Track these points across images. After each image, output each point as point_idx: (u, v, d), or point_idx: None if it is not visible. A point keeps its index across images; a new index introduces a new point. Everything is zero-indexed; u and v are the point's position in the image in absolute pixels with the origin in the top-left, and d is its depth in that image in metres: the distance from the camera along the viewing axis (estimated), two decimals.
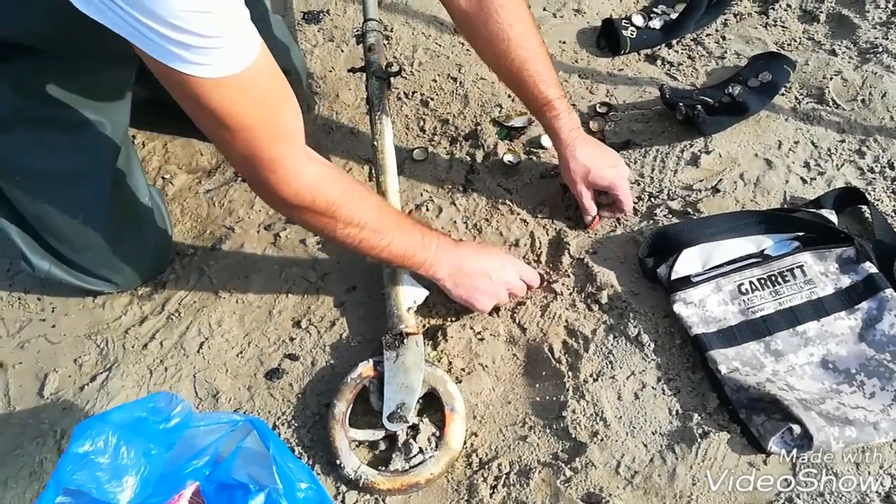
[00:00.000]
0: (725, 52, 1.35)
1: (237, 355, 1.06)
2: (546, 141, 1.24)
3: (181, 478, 0.84)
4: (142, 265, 1.12)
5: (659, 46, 1.38)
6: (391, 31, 1.46)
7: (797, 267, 0.98)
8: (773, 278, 0.98)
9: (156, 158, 1.32)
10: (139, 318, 1.12)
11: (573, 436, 0.91)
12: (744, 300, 0.97)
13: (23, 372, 1.08)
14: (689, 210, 1.11)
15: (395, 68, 1.29)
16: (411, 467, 0.91)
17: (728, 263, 1.01)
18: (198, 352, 1.06)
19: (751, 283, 0.98)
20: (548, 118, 1.08)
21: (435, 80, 1.38)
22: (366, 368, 0.98)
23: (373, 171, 1.23)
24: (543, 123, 1.10)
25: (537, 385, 0.98)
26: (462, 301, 1.02)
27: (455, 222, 1.18)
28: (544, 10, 1.48)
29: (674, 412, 0.92)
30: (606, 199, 1.13)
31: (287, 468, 0.81)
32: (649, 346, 0.97)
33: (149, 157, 1.32)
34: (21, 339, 1.11)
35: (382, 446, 0.95)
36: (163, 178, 1.29)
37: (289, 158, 0.82)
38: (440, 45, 1.45)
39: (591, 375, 0.96)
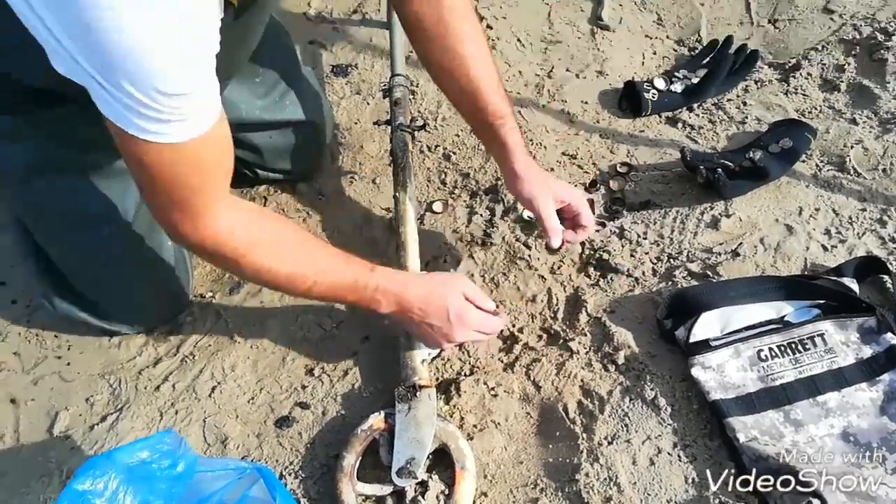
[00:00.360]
0: (746, 118, 1.36)
1: (248, 401, 1.05)
2: None
3: None
4: (160, 308, 1.13)
5: (680, 109, 1.40)
6: (417, 86, 1.49)
7: (818, 335, 0.97)
8: (794, 346, 0.96)
9: None
10: (154, 359, 1.12)
11: (586, 500, 0.89)
12: (763, 367, 0.95)
13: (34, 408, 1.08)
14: (709, 273, 1.10)
15: (419, 122, 1.32)
16: None
17: (747, 328, 0.99)
18: (209, 396, 1.06)
19: (770, 349, 0.96)
20: (502, 132, 1.03)
21: (457, 135, 1.41)
22: (377, 420, 0.97)
23: (393, 221, 1.25)
24: (492, 137, 1.04)
25: (550, 446, 0.97)
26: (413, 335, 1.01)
27: (472, 275, 1.18)
28: (567, 70, 1.51)
29: (690, 480, 0.90)
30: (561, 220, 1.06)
31: None
32: (666, 409, 0.96)
33: None
34: (35, 375, 1.12)
35: (390, 502, 0.93)
36: None
37: (204, 210, 0.81)
38: None
39: (605, 438, 0.94)
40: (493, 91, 1.03)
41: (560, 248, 1.06)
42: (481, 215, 1.27)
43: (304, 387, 1.06)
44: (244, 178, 1.33)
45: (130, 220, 1.04)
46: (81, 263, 1.03)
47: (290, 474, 0.97)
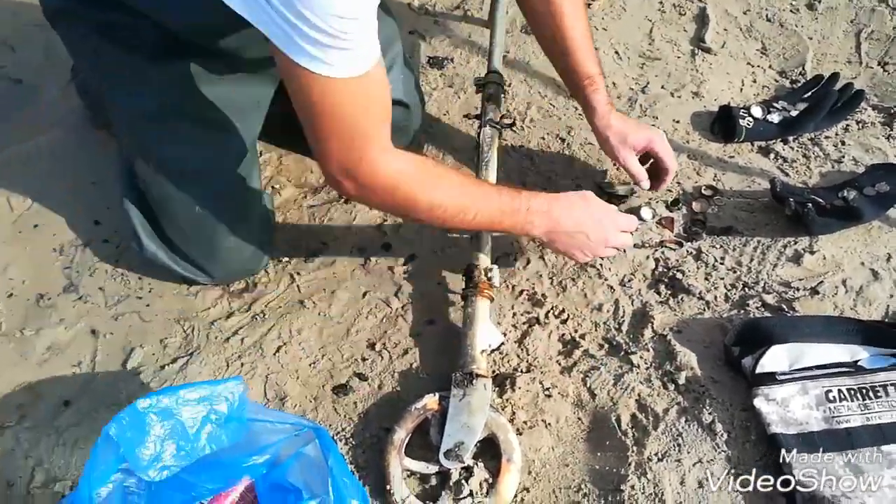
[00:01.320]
0: (843, 157, 1.32)
1: (310, 365, 1.09)
2: (646, 213, 1.24)
3: (239, 470, 0.87)
4: (239, 263, 1.17)
5: (774, 141, 1.37)
6: (510, 85, 1.51)
7: (891, 385, 0.94)
8: (864, 391, 0.93)
9: (270, 168, 1.39)
10: (226, 312, 1.17)
11: None
12: (830, 408, 0.93)
13: (112, 342, 1.14)
14: (784, 307, 1.08)
15: (509, 120, 1.33)
16: None
17: (818, 367, 0.97)
18: (274, 354, 1.10)
19: (840, 391, 0.94)
20: (587, 92, 1.17)
21: (543, 138, 1.41)
22: (431, 401, 0.99)
23: None
24: (581, 98, 1.19)
25: (599, 454, 0.96)
26: (560, 253, 1.10)
27: (541, 276, 1.18)
28: (662, 87, 1.50)
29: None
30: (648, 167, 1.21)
31: (342, 482, 0.83)
32: (722, 436, 0.94)
33: (264, 166, 1.39)
34: (116, 311, 1.18)
35: (433, 481, 0.95)
36: (272, 187, 1.36)
37: (375, 155, 0.88)
38: (553, 106, 1.48)
39: (656, 454, 0.94)
40: (583, 50, 1.15)
41: (653, 189, 1.23)
42: None
43: (364, 359, 1.09)
44: None
45: (231, 175, 1.11)
46: (177, 209, 1.09)
47: (341, 440, 1.00)
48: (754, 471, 0.91)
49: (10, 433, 1.02)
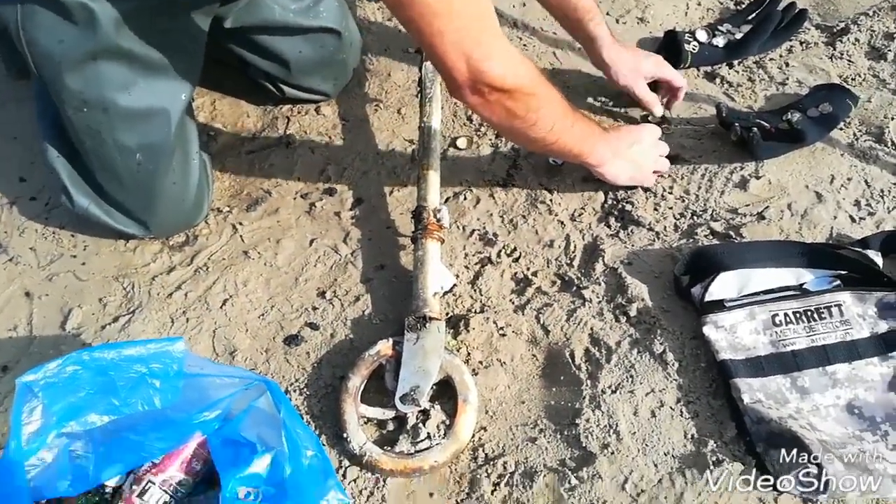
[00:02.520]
0: (787, 79, 1.32)
1: (259, 317, 1.06)
2: None
3: (190, 427, 0.85)
4: (178, 214, 1.13)
5: (720, 65, 1.35)
6: None
7: (835, 305, 0.96)
8: (809, 314, 0.95)
9: (203, 114, 1.33)
10: (167, 267, 1.12)
11: (584, 445, 0.90)
12: (776, 332, 0.95)
13: (48, 304, 1.09)
14: (732, 233, 1.08)
15: None
16: (417, 451, 0.90)
17: (765, 293, 0.98)
18: (220, 308, 1.07)
19: (786, 315, 0.96)
20: (590, 25, 1.18)
21: None
22: (384, 347, 0.98)
23: (416, 153, 1.23)
24: (582, 31, 1.20)
25: (553, 389, 0.97)
26: (607, 181, 1.14)
27: (491, 215, 1.17)
28: (607, 14, 1.46)
29: (689, 436, 0.90)
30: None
31: (295, 433, 0.81)
32: (673, 365, 0.96)
33: (196, 112, 1.32)
34: (50, 272, 1.12)
35: (391, 426, 0.95)
36: (208, 134, 1.30)
37: (499, 45, 0.88)
38: None
39: (609, 387, 0.95)
40: None
41: (663, 116, 1.26)
42: (506, 156, 1.25)
43: (314, 308, 1.07)
44: (269, 94, 1.31)
45: (174, 122, 1.05)
46: (115, 158, 1.03)
47: (295, 391, 0.98)
48: (706, 399, 0.93)
49: None
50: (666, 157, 1.18)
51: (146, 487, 0.81)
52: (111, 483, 0.82)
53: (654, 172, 1.16)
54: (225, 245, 1.15)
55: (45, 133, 1.08)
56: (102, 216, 1.09)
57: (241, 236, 1.16)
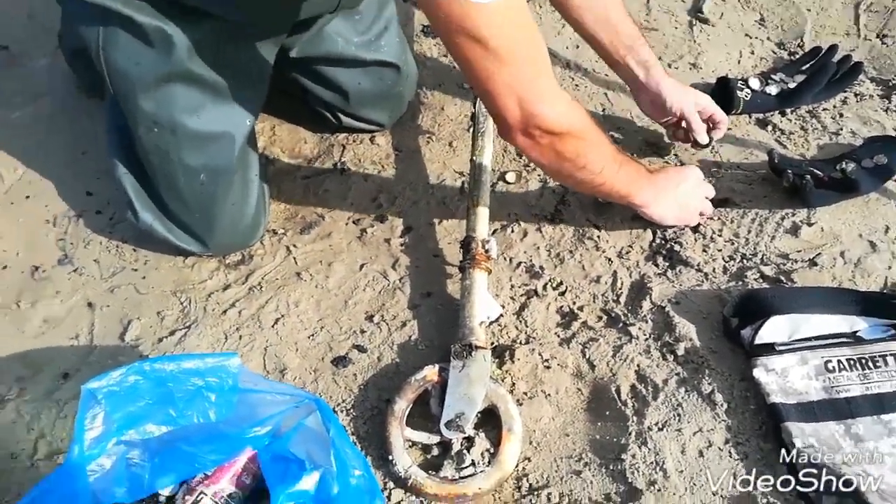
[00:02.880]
0: (841, 129, 1.32)
1: (308, 337, 1.08)
2: None
3: (241, 442, 0.86)
4: (236, 234, 1.16)
5: (772, 113, 1.36)
6: None
7: (890, 355, 0.94)
8: (864, 361, 0.94)
9: (262, 139, 1.37)
10: (223, 284, 1.16)
11: (629, 481, 0.89)
12: (829, 378, 0.94)
13: (109, 314, 1.13)
14: (782, 278, 1.08)
15: None
16: (461, 478, 0.91)
17: (817, 338, 0.97)
18: (272, 326, 1.09)
19: (839, 361, 0.94)
20: (642, 53, 1.19)
21: None
22: (431, 372, 0.99)
23: (466, 185, 1.26)
24: (631, 59, 1.19)
25: (599, 423, 0.97)
26: (654, 222, 1.16)
27: (538, 248, 1.18)
28: (660, 58, 1.46)
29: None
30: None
31: (344, 453, 0.82)
32: (722, 406, 0.95)
33: (256, 137, 1.37)
34: (112, 283, 1.16)
35: (435, 451, 0.95)
36: (266, 158, 1.34)
37: (550, 88, 0.90)
38: None
39: (656, 424, 0.94)
40: (628, 22, 1.19)
41: (708, 144, 1.26)
42: (554, 191, 1.27)
43: (362, 331, 1.09)
44: (327, 122, 1.36)
45: (237, 146, 1.10)
46: (180, 178, 1.08)
47: (342, 411, 0.99)
48: (756, 441, 0.92)
49: (11, 406, 1.01)
50: (716, 199, 1.19)
51: (198, 498, 0.82)
52: (165, 492, 0.84)
53: (700, 214, 1.16)
54: (279, 266, 1.18)
55: (113, 149, 1.13)
56: (164, 232, 1.14)
57: (294, 258, 1.19)
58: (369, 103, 1.32)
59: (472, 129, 1.25)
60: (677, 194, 1.14)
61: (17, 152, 1.34)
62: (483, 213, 1.14)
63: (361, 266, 1.18)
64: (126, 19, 0.96)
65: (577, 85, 1.46)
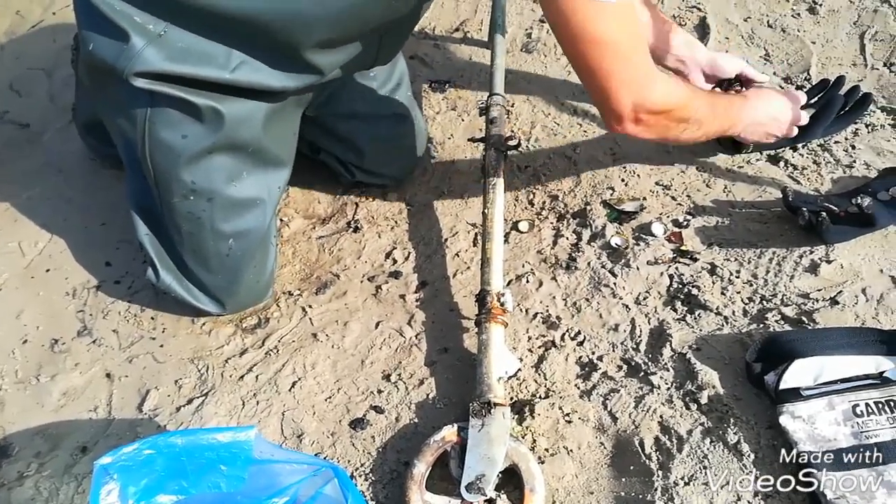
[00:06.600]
0: (854, 162, 1.31)
1: (325, 399, 1.08)
2: (657, 229, 1.23)
3: None
4: (252, 295, 1.18)
5: (783, 149, 1.35)
6: (512, 106, 1.51)
7: None
8: (893, 403, 0.91)
9: None
10: (240, 349, 1.16)
11: None
12: (858, 423, 0.91)
13: (127, 385, 1.13)
14: (804, 319, 1.06)
15: (514, 142, 1.32)
16: None
17: (843, 381, 0.95)
18: (289, 390, 1.09)
19: (867, 405, 0.92)
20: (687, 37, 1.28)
21: (549, 157, 1.41)
22: (450, 433, 0.98)
23: (479, 237, 1.26)
24: (680, 39, 1.27)
25: (623, 479, 0.95)
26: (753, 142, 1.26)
27: (554, 298, 1.17)
28: None
29: None
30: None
31: None
32: (749, 456, 0.92)
33: None
34: (130, 353, 1.17)
35: None
36: (280, 219, 1.36)
37: (653, 72, 0.97)
38: (558, 125, 1.47)
39: (682, 478, 0.92)
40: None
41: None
42: (567, 238, 1.26)
43: (380, 391, 1.08)
44: (340, 178, 1.38)
45: (269, 211, 1.13)
46: (209, 242, 1.10)
47: (360, 476, 0.98)
48: (786, 493, 0.89)
49: (29, 482, 1.02)
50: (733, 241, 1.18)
51: None
52: None
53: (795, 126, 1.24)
54: (295, 328, 1.18)
55: (136, 211, 1.14)
56: (182, 293, 1.15)
57: (310, 319, 1.19)
58: (382, 157, 1.34)
59: (482, 181, 1.26)
60: (772, 109, 1.21)
61: (37, 227, 1.38)
62: (497, 265, 1.13)
63: (377, 324, 1.18)
64: (180, 100, 0.97)
65: (584, 131, 1.46)
